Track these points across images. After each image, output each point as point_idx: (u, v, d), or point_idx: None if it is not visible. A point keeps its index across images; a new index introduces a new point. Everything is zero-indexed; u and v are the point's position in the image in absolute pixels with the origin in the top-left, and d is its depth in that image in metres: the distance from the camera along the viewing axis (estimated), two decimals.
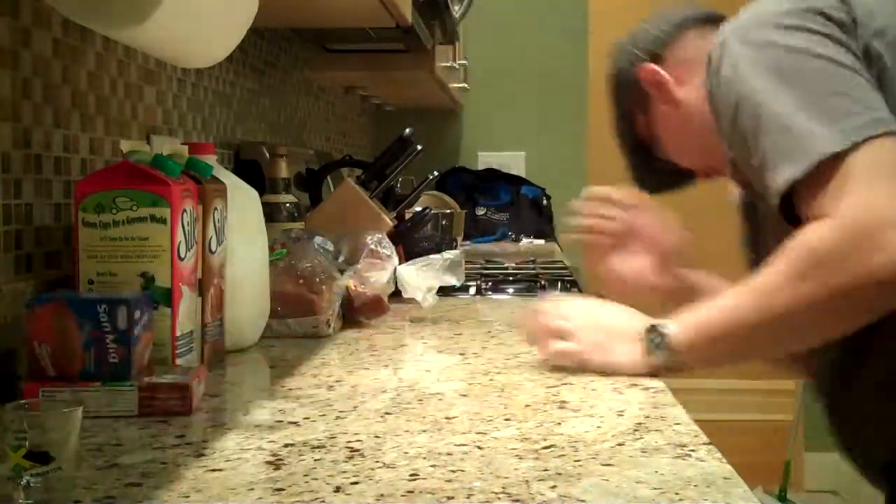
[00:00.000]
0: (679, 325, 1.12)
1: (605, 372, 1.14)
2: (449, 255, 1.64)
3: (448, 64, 2.97)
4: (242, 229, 1.32)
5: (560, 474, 0.76)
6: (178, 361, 1.09)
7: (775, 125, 1.07)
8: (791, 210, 1.07)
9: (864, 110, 1.04)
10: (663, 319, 1.14)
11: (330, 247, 1.63)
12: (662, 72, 1.36)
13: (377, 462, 0.79)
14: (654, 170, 1.46)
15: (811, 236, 1.03)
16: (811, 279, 1.03)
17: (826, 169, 1.02)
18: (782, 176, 1.05)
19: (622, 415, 0.96)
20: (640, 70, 1.38)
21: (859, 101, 1.05)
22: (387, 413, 0.97)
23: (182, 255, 1.09)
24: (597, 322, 1.20)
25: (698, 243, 1.47)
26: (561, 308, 1.22)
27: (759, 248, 1.25)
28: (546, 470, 0.77)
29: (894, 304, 1.03)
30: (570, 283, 2.13)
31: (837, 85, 1.07)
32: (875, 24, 1.11)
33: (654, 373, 1.13)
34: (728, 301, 1.10)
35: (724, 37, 1.15)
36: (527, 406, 1.00)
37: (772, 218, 1.13)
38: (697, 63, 1.26)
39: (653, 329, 1.14)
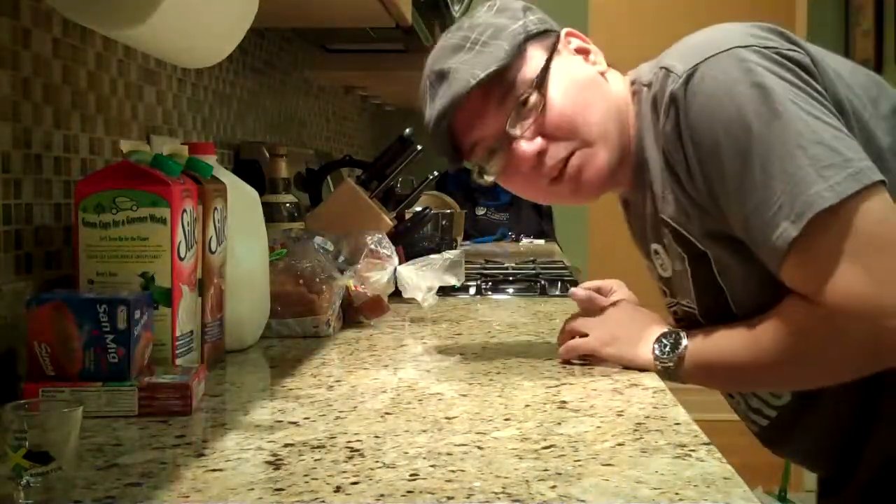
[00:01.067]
0: (686, 350, 1.16)
1: (617, 362, 1.20)
2: (449, 255, 1.64)
3: None
4: (242, 229, 1.32)
5: (560, 474, 0.76)
6: (178, 361, 1.09)
7: (765, 179, 1.03)
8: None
9: (851, 160, 1.02)
10: (678, 331, 1.18)
11: (330, 247, 1.63)
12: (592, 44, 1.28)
13: (377, 462, 0.79)
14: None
15: (801, 318, 1.06)
16: (803, 361, 1.09)
17: (814, 227, 1.00)
18: (780, 236, 1.02)
19: (622, 415, 0.96)
20: (568, 31, 1.27)
21: (843, 151, 1.02)
22: (387, 413, 0.97)
23: (182, 255, 1.09)
24: (615, 322, 1.24)
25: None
26: (582, 322, 1.27)
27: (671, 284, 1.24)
28: (546, 470, 0.77)
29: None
30: (571, 284, 2.13)
31: (820, 133, 1.03)
32: (830, 68, 1.10)
33: (656, 372, 1.16)
34: (725, 342, 1.14)
35: (695, 77, 1.08)
36: (527, 406, 1.00)
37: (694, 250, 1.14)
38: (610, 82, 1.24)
39: (664, 337, 1.18)
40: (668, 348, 1.16)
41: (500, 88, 1.17)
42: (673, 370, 1.16)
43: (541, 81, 1.17)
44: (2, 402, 0.74)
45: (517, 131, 1.17)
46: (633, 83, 1.22)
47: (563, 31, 1.26)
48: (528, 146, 1.17)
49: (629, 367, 1.18)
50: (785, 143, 1.02)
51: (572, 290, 1.34)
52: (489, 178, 1.23)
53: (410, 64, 2.66)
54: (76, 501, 0.70)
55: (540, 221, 3.73)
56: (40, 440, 0.71)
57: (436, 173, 2.44)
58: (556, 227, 3.82)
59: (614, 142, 1.18)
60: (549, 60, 1.19)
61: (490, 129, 1.18)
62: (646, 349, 1.18)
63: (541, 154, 1.17)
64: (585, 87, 1.20)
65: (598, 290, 1.35)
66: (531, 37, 1.20)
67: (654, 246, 1.23)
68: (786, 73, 1.06)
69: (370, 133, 3.75)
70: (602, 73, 1.24)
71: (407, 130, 2.10)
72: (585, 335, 1.24)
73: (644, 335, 1.20)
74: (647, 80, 1.18)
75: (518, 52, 1.18)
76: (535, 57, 1.19)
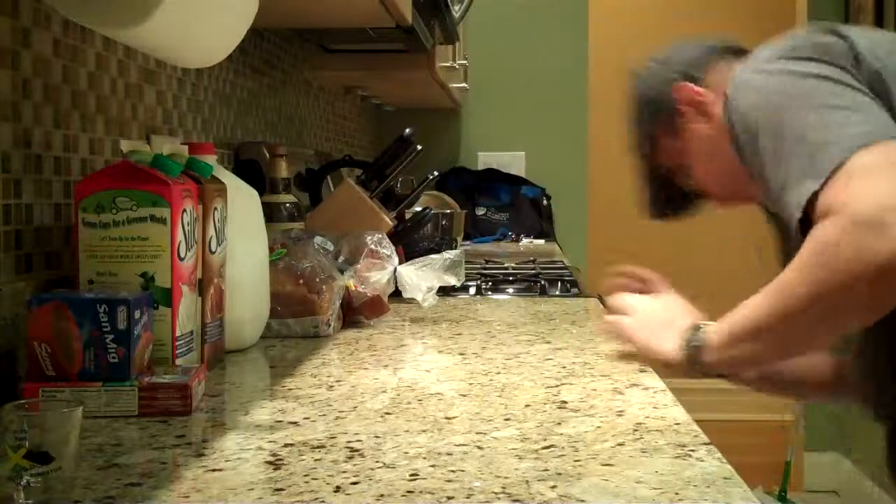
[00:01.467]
0: (715, 327, 1.18)
1: (645, 356, 1.23)
2: (449, 255, 1.64)
3: (448, 64, 2.97)
4: (242, 229, 1.32)
5: (560, 474, 0.76)
6: (178, 361, 1.09)
7: (791, 147, 1.12)
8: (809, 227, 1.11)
9: (867, 120, 1.09)
10: (708, 321, 1.21)
11: (330, 247, 1.63)
12: (701, 90, 1.40)
13: (377, 462, 0.79)
14: (668, 196, 1.50)
15: (818, 232, 1.05)
16: (822, 270, 1.04)
17: (834, 176, 1.06)
18: (801, 192, 1.08)
19: (622, 415, 0.96)
20: (677, 88, 1.41)
21: (861, 112, 1.10)
22: (387, 413, 0.97)
23: (182, 255, 1.09)
24: (654, 311, 1.29)
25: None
26: (627, 299, 1.32)
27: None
28: (546, 470, 0.77)
29: None
30: (571, 284, 2.13)
31: (842, 100, 1.12)
32: (876, 64, 1.19)
33: (686, 371, 1.19)
34: (750, 302, 1.14)
35: (737, 74, 1.24)
36: (527, 406, 1.00)
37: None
38: (722, 86, 1.32)
39: (694, 327, 1.20)
40: (689, 335, 1.19)
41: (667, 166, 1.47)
42: (696, 356, 1.17)
43: (681, 164, 1.44)
44: (2, 402, 0.74)
45: (691, 186, 1.46)
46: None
47: (675, 95, 1.42)
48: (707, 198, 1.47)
49: (652, 359, 1.21)
50: (810, 101, 1.13)
51: (626, 268, 1.41)
52: None
53: (410, 64, 2.67)
54: (76, 501, 0.70)
55: (540, 221, 3.73)
56: (40, 440, 0.70)
57: (436, 173, 2.44)
58: (556, 227, 3.82)
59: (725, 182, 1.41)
60: (677, 144, 1.43)
61: None
62: (672, 341, 1.20)
63: (717, 201, 1.46)
64: (714, 151, 1.38)
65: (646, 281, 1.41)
66: (654, 123, 1.44)
67: None
68: (817, 63, 1.17)
69: (370, 133, 3.75)
70: (713, 122, 1.37)
71: (407, 130, 2.09)
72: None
73: (675, 328, 1.22)
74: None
75: (654, 148, 1.46)
76: (666, 145, 1.44)
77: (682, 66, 1.43)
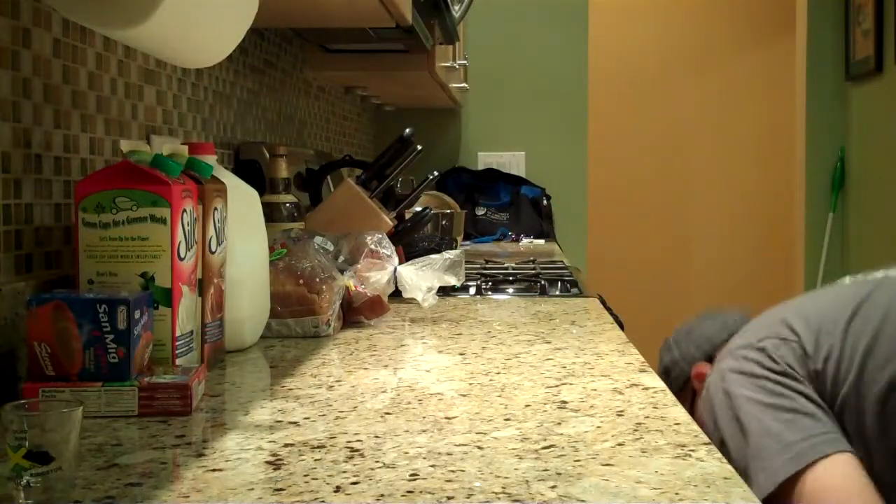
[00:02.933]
0: None
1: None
2: (449, 255, 1.64)
3: (448, 64, 2.97)
4: (242, 229, 1.32)
5: (560, 474, 0.76)
6: (178, 361, 1.09)
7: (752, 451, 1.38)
8: None
9: (786, 447, 1.33)
10: None
11: (330, 247, 1.63)
12: (710, 368, 1.61)
13: (377, 462, 0.79)
14: None
15: None
16: None
17: (788, 486, 1.30)
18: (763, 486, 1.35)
19: (622, 415, 0.96)
20: (694, 368, 1.64)
21: (782, 439, 1.35)
22: (387, 413, 0.97)
23: (182, 255, 1.09)
24: None
25: None
26: None
27: None
28: (546, 470, 0.77)
29: None
30: (571, 284, 2.13)
31: (784, 421, 1.37)
32: (821, 351, 1.43)
33: None
34: None
35: (717, 376, 1.49)
36: (527, 406, 1.00)
37: None
38: None
39: None
40: None
41: None
42: None
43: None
44: (2, 402, 0.74)
45: None
46: None
47: (692, 375, 1.67)
48: None
49: None
50: (742, 437, 1.40)
51: None
52: None
53: (410, 64, 2.67)
54: (76, 501, 0.70)
55: (540, 221, 3.73)
56: (40, 440, 0.70)
57: (436, 173, 2.44)
58: (556, 227, 3.82)
59: None
60: (693, 410, 1.58)
61: None
62: None
63: None
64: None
65: None
66: (676, 394, 1.53)
67: None
68: (752, 382, 1.44)
69: (370, 133, 3.75)
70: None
71: (407, 130, 2.09)
72: None
73: None
74: None
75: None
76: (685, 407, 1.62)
77: (704, 343, 1.66)
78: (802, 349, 1.45)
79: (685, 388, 1.70)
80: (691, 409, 1.63)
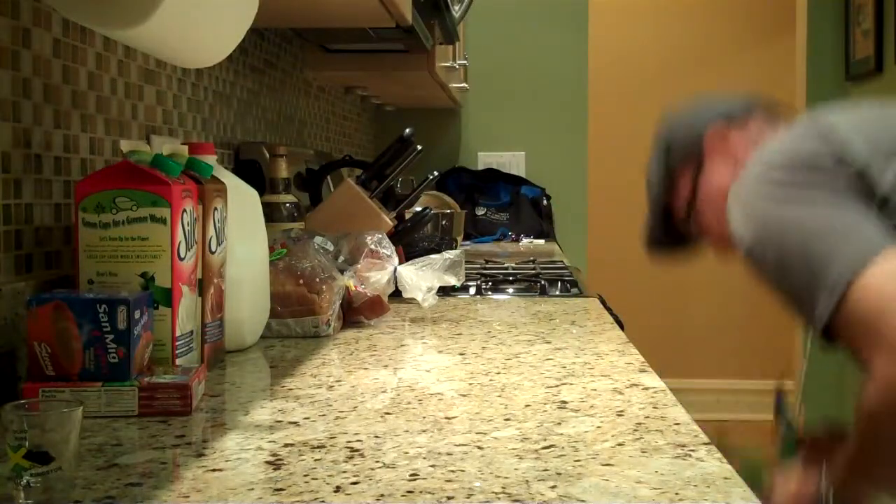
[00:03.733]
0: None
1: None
2: (449, 255, 1.64)
3: (448, 64, 2.97)
4: (242, 229, 1.32)
5: (560, 474, 0.76)
6: (178, 361, 1.09)
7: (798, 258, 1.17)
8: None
9: (861, 236, 1.13)
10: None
11: (330, 247, 1.63)
12: (735, 133, 1.44)
13: (377, 462, 0.79)
14: (670, 234, 1.53)
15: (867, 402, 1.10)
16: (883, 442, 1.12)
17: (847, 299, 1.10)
18: (819, 308, 1.13)
19: (622, 415, 0.96)
20: (712, 126, 1.46)
21: (854, 229, 1.14)
22: (387, 413, 0.97)
23: (182, 255, 1.09)
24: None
25: None
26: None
27: None
28: (546, 470, 0.77)
29: None
30: (571, 284, 2.13)
31: (835, 220, 1.16)
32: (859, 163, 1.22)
33: None
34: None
35: (736, 185, 1.28)
36: (527, 406, 1.00)
37: None
38: (753, 144, 1.38)
39: None
40: None
41: (673, 207, 1.50)
42: None
43: (691, 205, 1.46)
44: (2, 402, 0.74)
45: (693, 231, 1.50)
46: None
47: (706, 139, 1.45)
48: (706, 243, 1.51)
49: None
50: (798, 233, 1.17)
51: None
52: None
53: (410, 64, 2.67)
54: (76, 501, 0.70)
55: (540, 221, 3.72)
56: (40, 440, 0.70)
57: (436, 173, 2.44)
58: (556, 227, 3.82)
59: None
60: (695, 186, 1.45)
61: None
62: None
63: (716, 246, 1.48)
64: (713, 204, 1.41)
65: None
66: (676, 170, 1.47)
67: None
68: (800, 186, 1.20)
69: (370, 133, 3.75)
70: (736, 169, 1.35)
71: (407, 130, 2.09)
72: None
73: None
74: None
75: (671, 187, 1.48)
76: (685, 186, 1.47)
77: (719, 111, 1.47)
78: (838, 159, 1.22)
79: (689, 163, 1.48)
80: (693, 187, 1.47)
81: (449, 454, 0.82)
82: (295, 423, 0.93)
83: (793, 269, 1.16)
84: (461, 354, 1.30)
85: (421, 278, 1.61)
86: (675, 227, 1.52)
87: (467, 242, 3.37)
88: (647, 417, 0.94)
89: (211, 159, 1.24)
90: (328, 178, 2.30)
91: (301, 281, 1.44)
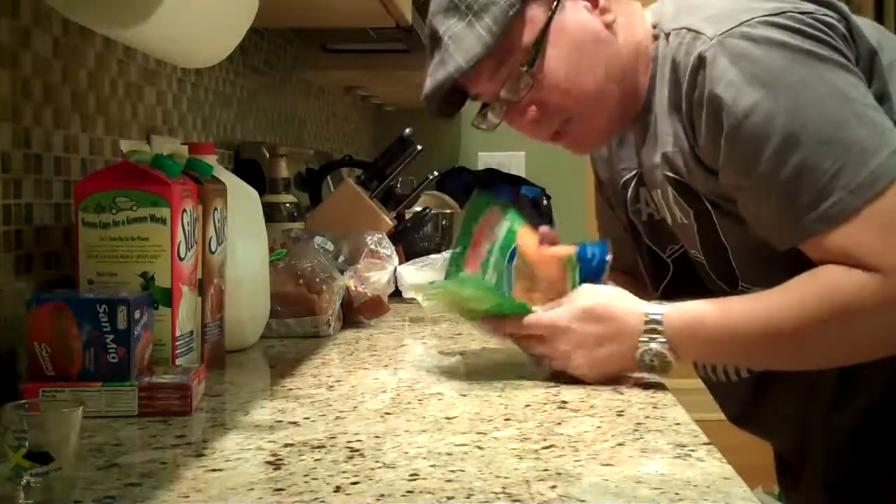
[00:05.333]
0: (677, 327, 1.07)
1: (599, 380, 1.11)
2: (449, 255, 1.64)
3: None
4: (242, 229, 1.32)
5: (560, 474, 0.76)
6: (178, 361, 1.09)
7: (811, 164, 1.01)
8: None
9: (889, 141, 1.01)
10: (659, 312, 1.08)
11: (330, 247, 1.63)
12: None
13: (377, 462, 0.79)
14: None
15: (850, 289, 1.01)
16: (836, 332, 1.03)
17: (876, 199, 0.99)
18: (837, 205, 1.00)
19: (622, 415, 0.96)
20: None
21: (883, 131, 1.02)
22: (387, 413, 0.97)
23: (182, 255, 1.09)
24: (585, 327, 1.09)
25: None
26: (545, 318, 1.12)
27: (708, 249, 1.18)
28: (546, 470, 0.77)
29: None
30: None
31: (858, 116, 1.02)
32: (869, 41, 1.09)
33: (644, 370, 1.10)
34: (729, 315, 1.07)
35: (721, 40, 1.04)
36: (527, 406, 1.00)
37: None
38: (635, 13, 1.19)
39: (650, 328, 1.07)
40: (646, 353, 1.07)
41: (497, 55, 1.14)
42: (659, 369, 1.07)
43: (536, 50, 1.14)
44: (2, 402, 0.74)
45: (512, 97, 1.17)
46: (654, 26, 1.18)
47: None
48: (521, 114, 1.18)
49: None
50: (832, 115, 1.01)
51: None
52: (493, 123, 1.23)
53: (410, 64, 2.66)
54: (76, 501, 0.70)
55: (540, 222, 3.72)
56: (40, 440, 0.70)
57: (436, 173, 2.44)
58: (556, 227, 3.82)
59: (614, 100, 1.17)
60: (547, 24, 1.14)
61: (488, 92, 1.19)
62: (622, 359, 1.09)
63: (535, 121, 1.18)
64: (586, 50, 1.15)
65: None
66: None
67: (646, 190, 1.22)
68: (820, 43, 1.03)
69: (370, 133, 3.75)
70: (610, 24, 1.16)
71: (407, 130, 2.09)
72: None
73: (623, 340, 1.08)
74: (668, 29, 1.14)
75: (515, 17, 1.13)
76: (534, 19, 1.14)
77: None
78: (849, 27, 1.08)
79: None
80: (545, 24, 1.13)
81: (449, 454, 0.82)
82: (295, 423, 0.93)
83: (825, 146, 1.00)
84: (461, 354, 1.30)
85: (421, 278, 1.61)
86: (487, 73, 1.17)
87: None
88: (647, 417, 0.94)
89: (211, 159, 1.24)
90: (328, 178, 2.30)
91: (301, 281, 1.44)
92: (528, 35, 1.15)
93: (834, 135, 1.01)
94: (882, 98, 1.07)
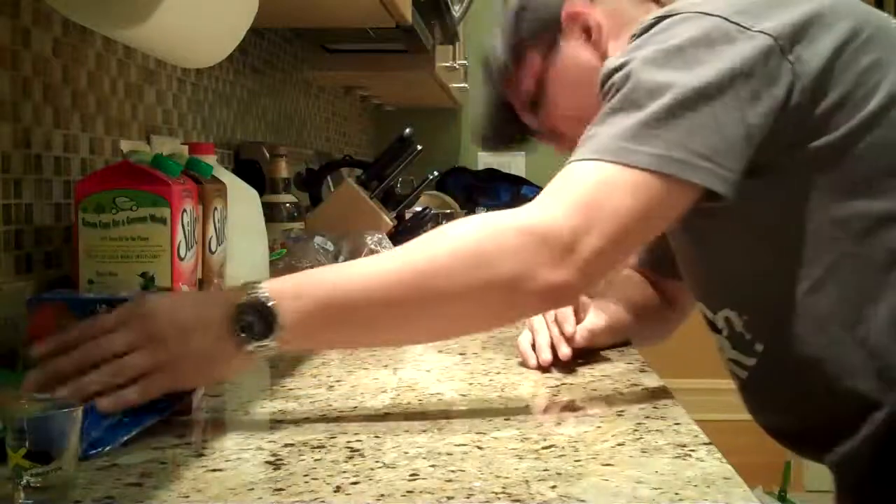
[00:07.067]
0: (284, 297, 0.88)
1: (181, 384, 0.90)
2: None
3: (448, 64, 2.97)
4: (242, 229, 1.32)
5: (560, 474, 0.76)
6: None
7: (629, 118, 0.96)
8: None
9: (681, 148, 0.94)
10: (252, 289, 0.88)
11: (330, 247, 1.63)
12: (596, 10, 1.21)
13: (377, 462, 0.79)
14: (508, 122, 1.32)
15: (494, 227, 0.96)
16: (476, 272, 0.91)
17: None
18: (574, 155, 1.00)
19: (622, 415, 0.96)
20: (570, 4, 1.22)
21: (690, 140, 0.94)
22: (387, 413, 0.97)
23: (182, 255, 1.09)
24: (167, 314, 0.87)
25: None
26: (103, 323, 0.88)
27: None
28: (546, 470, 0.77)
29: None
30: None
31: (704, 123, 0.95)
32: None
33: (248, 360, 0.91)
34: (345, 276, 0.91)
35: (650, 30, 1.01)
36: (527, 406, 1.00)
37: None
38: (625, 27, 1.15)
39: (245, 309, 0.87)
40: (253, 321, 0.86)
41: (514, 94, 1.28)
42: (270, 342, 0.88)
43: (538, 91, 1.25)
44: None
45: (535, 125, 1.30)
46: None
47: (563, 14, 1.23)
48: (546, 139, 1.32)
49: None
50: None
51: None
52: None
53: (410, 64, 2.67)
54: (76, 501, 0.70)
55: None
56: (40, 440, 0.70)
57: (436, 173, 2.44)
58: None
59: None
60: (546, 65, 1.24)
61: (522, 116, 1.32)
62: (218, 352, 0.88)
63: (557, 144, 1.29)
64: (584, 82, 1.15)
65: None
66: (526, 42, 1.25)
67: None
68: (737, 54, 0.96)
69: (370, 133, 3.75)
70: (605, 52, 1.20)
71: (407, 130, 2.10)
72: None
73: (209, 324, 0.87)
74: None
75: (517, 61, 1.25)
76: (533, 63, 1.25)
77: None
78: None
79: (541, 38, 1.24)
80: (543, 66, 1.24)
81: (449, 454, 0.82)
82: (295, 423, 0.93)
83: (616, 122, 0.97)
84: (461, 354, 1.30)
85: None
86: (513, 117, 1.30)
87: None
88: (647, 417, 0.94)
89: (211, 159, 1.25)
90: (328, 178, 2.30)
91: None
92: (528, 80, 1.26)
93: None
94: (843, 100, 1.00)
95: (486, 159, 3.94)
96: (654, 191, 0.94)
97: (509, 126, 1.34)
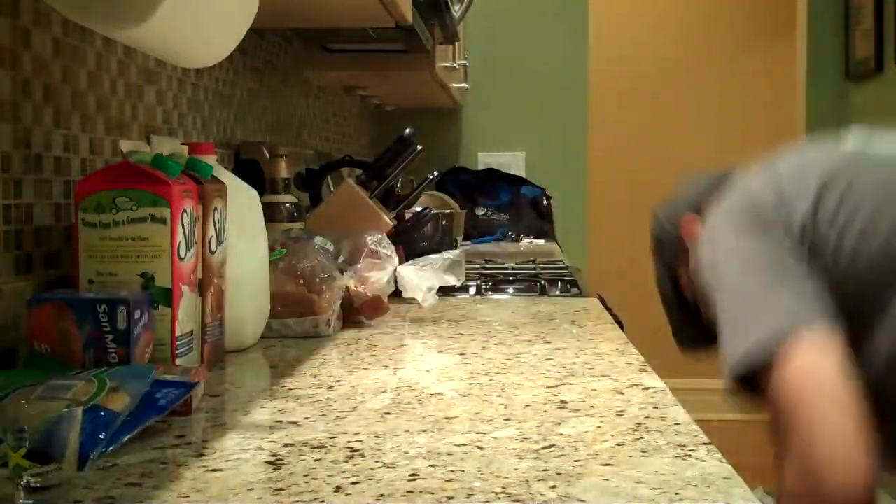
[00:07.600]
0: None
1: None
2: (449, 255, 1.64)
3: (448, 64, 2.97)
4: (242, 229, 1.32)
5: (560, 474, 0.76)
6: (178, 361, 1.09)
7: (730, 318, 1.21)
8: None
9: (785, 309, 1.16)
10: None
11: (330, 247, 1.63)
12: (700, 221, 1.42)
13: (377, 462, 0.79)
14: (695, 323, 1.52)
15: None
16: None
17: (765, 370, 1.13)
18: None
19: (622, 415, 0.96)
20: (683, 221, 1.46)
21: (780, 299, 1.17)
22: (387, 413, 0.97)
23: (182, 255, 1.09)
24: None
25: None
26: None
27: None
28: (546, 470, 0.77)
29: None
30: (570, 284, 2.13)
31: (768, 283, 1.19)
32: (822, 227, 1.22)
33: None
34: None
35: (710, 222, 1.30)
36: (527, 406, 1.00)
37: None
38: None
39: None
40: None
41: None
42: None
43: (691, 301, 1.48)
44: (2, 402, 0.74)
45: None
46: None
47: (682, 234, 1.45)
48: None
49: None
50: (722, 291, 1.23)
51: None
52: None
53: (410, 64, 2.67)
54: (76, 501, 0.70)
55: (540, 221, 3.72)
56: (40, 440, 0.70)
57: (436, 173, 2.44)
58: (556, 227, 3.82)
59: None
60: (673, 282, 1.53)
61: None
62: None
63: None
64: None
65: None
66: (669, 255, 1.50)
67: None
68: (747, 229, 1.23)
69: (370, 133, 3.75)
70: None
71: (407, 130, 2.09)
72: None
73: None
74: None
75: (669, 275, 1.53)
76: (682, 278, 1.49)
77: (693, 197, 1.47)
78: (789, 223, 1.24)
79: (681, 257, 1.48)
80: (686, 271, 1.46)
81: (449, 454, 0.82)
82: (295, 423, 0.93)
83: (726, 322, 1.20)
84: (461, 354, 1.30)
85: (421, 278, 1.61)
86: (694, 319, 1.51)
87: (467, 242, 3.37)
88: (647, 417, 0.94)
89: (211, 159, 1.24)
90: (328, 178, 2.30)
91: (301, 281, 1.44)
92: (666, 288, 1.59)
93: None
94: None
95: (485, 159, 3.94)
96: None
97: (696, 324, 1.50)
